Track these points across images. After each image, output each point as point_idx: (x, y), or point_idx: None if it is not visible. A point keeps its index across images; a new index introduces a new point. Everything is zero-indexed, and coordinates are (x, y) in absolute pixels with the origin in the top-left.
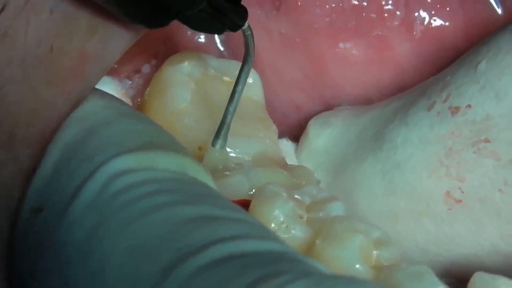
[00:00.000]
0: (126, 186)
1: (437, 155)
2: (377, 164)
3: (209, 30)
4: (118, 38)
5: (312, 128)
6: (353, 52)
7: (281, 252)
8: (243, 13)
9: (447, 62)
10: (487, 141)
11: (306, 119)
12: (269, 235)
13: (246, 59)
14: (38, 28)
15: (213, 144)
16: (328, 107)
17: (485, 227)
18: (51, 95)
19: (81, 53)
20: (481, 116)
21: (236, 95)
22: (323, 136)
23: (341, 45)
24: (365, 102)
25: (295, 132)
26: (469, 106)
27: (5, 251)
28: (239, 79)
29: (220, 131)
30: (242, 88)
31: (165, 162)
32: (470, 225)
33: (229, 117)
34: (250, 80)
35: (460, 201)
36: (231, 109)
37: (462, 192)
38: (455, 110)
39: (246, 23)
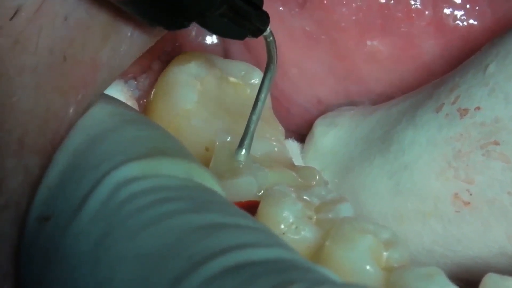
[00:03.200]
0: (133, 195)
1: (445, 157)
2: (385, 165)
3: (231, 35)
4: (130, 46)
5: (319, 128)
6: (381, 48)
7: (291, 260)
8: (265, 18)
9: None
10: (496, 143)
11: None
12: (278, 242)
13: (269, 66)
14: (51, 35)
15: (237, 156)
16: (350, 102)
17: (493, 229)
18: (62, 104)
19: (93, 61)
20: (490, 119)
21: (259, 103)
22: (329, 136)
23: (368, 43)
24: (387, 99)
25: (301, 133)
26: (478, 108)
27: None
28: (262, 87)
29: (244, 140)
30: (266, 96)
31: (171, 169)
32: (478, 227)
33: (252, 126)
34: (255, 81)
35: (469, 203)
36: (254, 117)
37: (471, 194)
38: (463, 112)
39: (268, 29)
